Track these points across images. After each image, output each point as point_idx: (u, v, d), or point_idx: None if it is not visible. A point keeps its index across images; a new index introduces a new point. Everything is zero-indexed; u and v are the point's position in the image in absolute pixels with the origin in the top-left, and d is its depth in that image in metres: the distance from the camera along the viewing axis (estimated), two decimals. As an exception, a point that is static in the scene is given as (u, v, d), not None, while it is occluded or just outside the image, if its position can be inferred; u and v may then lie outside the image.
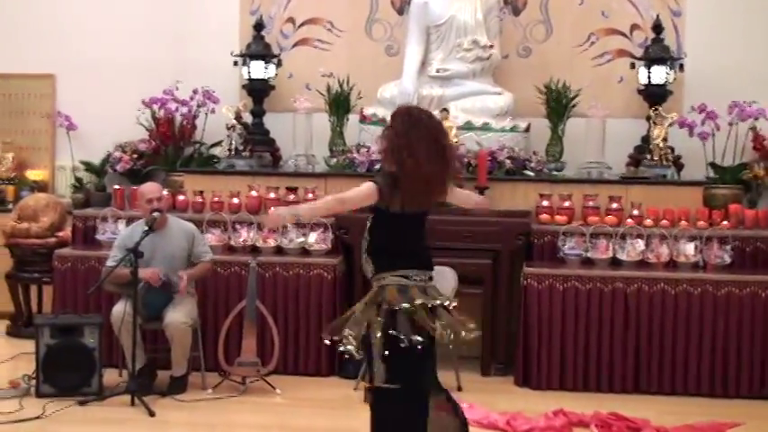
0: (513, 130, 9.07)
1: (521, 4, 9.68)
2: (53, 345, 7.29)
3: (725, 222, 8.18)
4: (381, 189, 5.07)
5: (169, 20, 10.03)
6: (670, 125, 8.80)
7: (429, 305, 5.11)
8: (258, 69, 9.47)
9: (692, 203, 8.41)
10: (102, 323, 7.44)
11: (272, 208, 5.33)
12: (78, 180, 10.02)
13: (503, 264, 8.14)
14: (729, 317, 7.62)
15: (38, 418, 6.80)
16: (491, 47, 9.26)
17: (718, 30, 9.42)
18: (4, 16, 10.29)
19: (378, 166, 8.47)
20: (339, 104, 9.30)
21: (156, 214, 7.41)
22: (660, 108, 8.83)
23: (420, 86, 9.20)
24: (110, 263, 7.46)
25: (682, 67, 9.18)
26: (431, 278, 5.24)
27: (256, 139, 9.44)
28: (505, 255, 8.13)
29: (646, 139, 9.05)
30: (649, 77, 9.08)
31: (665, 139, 8.76)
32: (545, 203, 8.38)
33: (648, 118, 8.91)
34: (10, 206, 9.82)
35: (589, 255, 8.00)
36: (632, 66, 9.21)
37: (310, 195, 8.44)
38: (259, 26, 9.60)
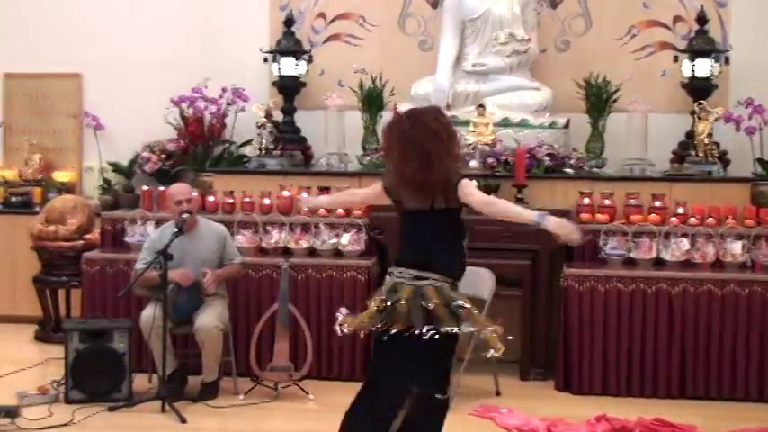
0: (551, 126, 9.06)
1: (558, -4, 9.69)
2: (82, 350, 7.33)
3: (773, 220, 8.14)
4: (387, 187, 5.45)
5: (197, 16, 10.08)
6: (715, 120, 8.74)
7: (423, 304, 5.18)
8: (289, 66, 9.50)
9: (738, 201, 8.36)
10: (131, 327, 7.49)
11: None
12: (106, 181, 10.09)
13: (542, 264, 8.13)
14: (779, 318, 7.58)
15: (67, 424, 6.84)
16: (528, 40, 9.25)
17: (764, 20, 9.37)
18: (29, 15, 10.36)
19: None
20: (372, 101, 9.32)
21: (185, 216, 7.44)
22: (705, 102, 8.77)
23: (455, 82, 9.20)
24: (139, 266, 7.49)
25: (727, 59, 9.14)
26: (418, 278, 5.27)
27: (287, 137, 9.47)
28: (545, 255, 8.11)
29: (690, 135, 9.00)
30: (693, 71, 9.04)
31: (710, 135, 8.71)
32: (585, 202, 8.35)
33: (693, 113, 8.86)
34: (37, 208, 9.86)
35: (632, 255, 7.97)
36: (675, 59, 9.17)
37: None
38: (289, 22, 9.63)
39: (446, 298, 5.22)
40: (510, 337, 5.70)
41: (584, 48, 9.59)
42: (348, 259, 8.18)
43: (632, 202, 8.32)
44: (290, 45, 9.57)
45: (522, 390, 7.87)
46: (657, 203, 8.28)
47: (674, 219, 8.17)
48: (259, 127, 9.22)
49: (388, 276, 5.39)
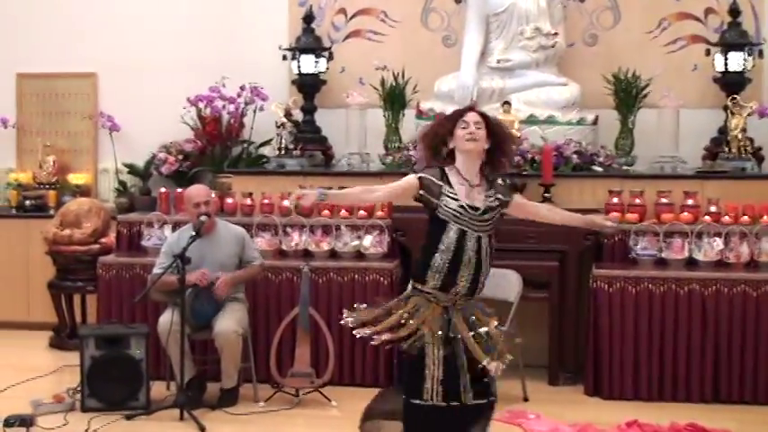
0: (579, 123, 9.05)
1: (586, -11, 9.68)
2: (98, 357, 7.37)
3: (810, 218, 8.11)
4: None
5: (214, 13, 10.13)
6: (749, 115, 8.74)
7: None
8: (308, 63, 9.53)
9: (773, 198, 8.36)
10: (148, 333, 7.52)
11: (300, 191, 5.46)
12: (122, 183, 10.15)
13: (570, 265, 8.14)
14: (816, 320, 7.56)
15: (83, 433, 6.91)
16: (555, 34, 9.24)
17: (799, 11, 9.36)
18: (41, 14, 10.43)
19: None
20: (394, 99, 9.33)
21: (203, 218, 7.47)
22: (738, 97, 8.76)
23: (480, 78, 9.20)
24: (156, 270, 7.53)
25: (761, 53, 9.11)
26: None
27: (307, 137, 9.50)
28: (573, 256, 8.12)
29: (723, 131, 9.00)
30: (726, 64, 9.03)
31: (743, 130, 8.70)
32: (615, 201, 8.33)
33: (725, 108, 8.85)
34: (51, 212, 9.93)
35: (663, 255, 7.96)
36: (707, 52, 9.16)
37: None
38: (309, 18, 9.66)
39: None
40: (518, 340, 5.72)
41: (613, 42, 9.59)
42: (370, 262, 8.20)
43: (663, 200, 8.30)
44: (309, 42, 9.61)
45: (550, 395, 7.88)
46: (689, 202, 8.26)
47: (706, 217, 8.14)
48: (278, 126, 9.25)
49: None
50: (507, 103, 8.78)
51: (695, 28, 9.50)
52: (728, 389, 7.62)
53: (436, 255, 5.26)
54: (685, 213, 8.18)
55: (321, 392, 7.63)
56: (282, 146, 9.24)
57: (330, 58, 9.67)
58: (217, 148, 9.79)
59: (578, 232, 8.02)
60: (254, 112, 9.81)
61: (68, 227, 9.27)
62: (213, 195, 8.01)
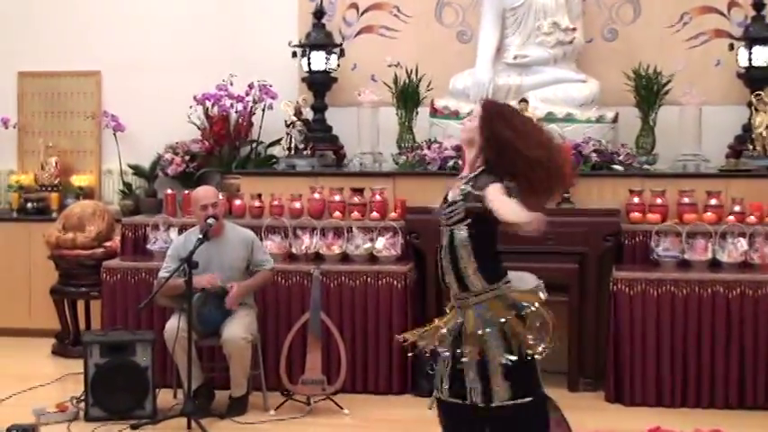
0: (599, 120, 9.05)
1: (605, -18, 9.69)
2: (103, 364, 7.39)
3: (837, 218, 8.12)
4: None
5: (221, 9, 10.15)
6: (774, 111, 8.75)
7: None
8: (319, 60, 9.54)
9: (800, 197, 8.36)
10: (154, 340, 7.55)
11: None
12: (127, 185, 10.17)
13: (590, 268, 8.14)
14: None
15: (88, 443, 6.95)
16: (573, 30, 9.24)
17: (826, 4, 9.34)
18: (42, 11, 10.46)
19: (451, 163, 8.55)
20: (408, 97, 9.34)
21: (211, 221, 7.48)
22: (763, 93, 8.76)
23: (496, 75, 9.21)
24: (162, 274, 7.54)
25: (786, 46, 9.12)
26: None
27: (318, 136, 9.51)
28: (593, 258, 8.13)
29: (747, 128, 8.98)
30: (750, 59, 9.02)
31: (768, 128, 8.72)
32: (636, 201, 8.35)
33: (750, 104, 8.84)
34: (54, 215, 9.94)
35: (686, 256, 7.96)
36: (731, 47, 9.15)
37: (377, 197, 8.51)
38: (319, 13, 9.67)
39: None
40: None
41: (633, 37, 9.58)
42: (383, 265, 8.21)
43: (686, 200, 8.31)
44: (320, 38, 9.61)
45: (570, 401, 7.79)
46: (713, 201, 8.27)
47: (730, 217, 8.15)
48: (288, 125, 9.26)
49: None
50: (524, 100, 8.77)
51: (718, 22, 9.49)
52: (754, 394, 7.62)
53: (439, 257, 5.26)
54: (708, 213, 8.20)
55: (333, 400, 7.64)
56: (292, 146, 9.24)
57: (341, 54, 9.67)
58: (224, 148, 9.81)
59: (598, 233, 8.04)
60: (263, 110, 9.82)
61: (71, 230, 9.29)
62: (221, 197, 8.04)
